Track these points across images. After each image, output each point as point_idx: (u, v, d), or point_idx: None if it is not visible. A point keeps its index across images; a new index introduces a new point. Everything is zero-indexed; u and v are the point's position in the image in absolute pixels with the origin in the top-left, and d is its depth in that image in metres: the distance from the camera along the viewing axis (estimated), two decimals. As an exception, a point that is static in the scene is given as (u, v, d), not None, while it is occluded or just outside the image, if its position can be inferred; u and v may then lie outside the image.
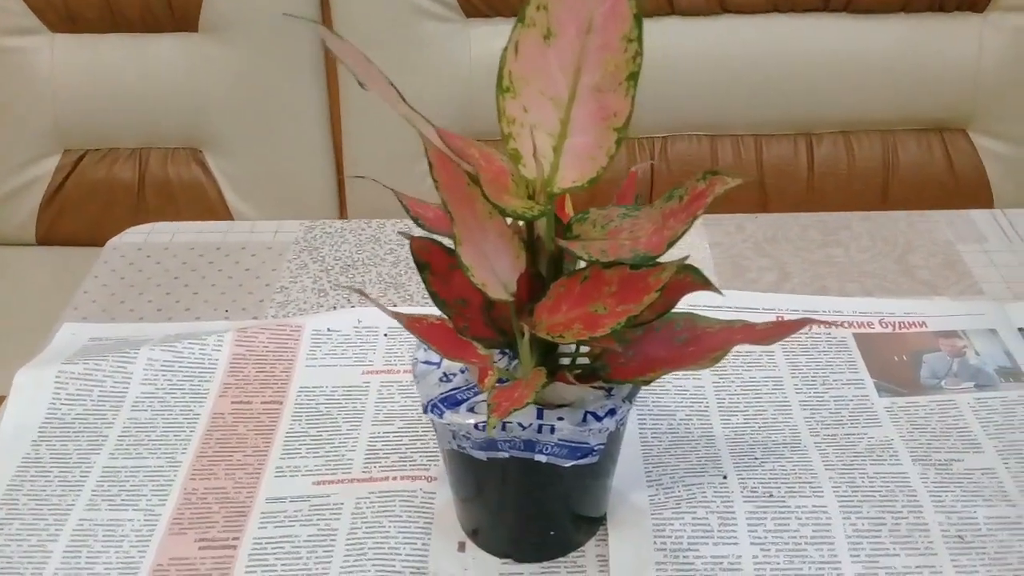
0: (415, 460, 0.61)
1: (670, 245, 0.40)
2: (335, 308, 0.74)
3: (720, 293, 0.44)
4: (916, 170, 1.25)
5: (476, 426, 0.48)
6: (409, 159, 1.20)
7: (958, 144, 1.24)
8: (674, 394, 0.66)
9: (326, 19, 1.21)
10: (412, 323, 0.46)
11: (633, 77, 0.37)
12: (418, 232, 0.48)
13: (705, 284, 0.45)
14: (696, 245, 0.82)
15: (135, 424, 0.64)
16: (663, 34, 1.20)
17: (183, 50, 1.22)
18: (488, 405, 0.43)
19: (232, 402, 0.66)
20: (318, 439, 0.63)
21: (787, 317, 0.73)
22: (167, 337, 0.70)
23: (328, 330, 0.71)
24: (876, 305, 0.74)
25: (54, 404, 0.65)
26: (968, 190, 1.25)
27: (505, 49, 0.40)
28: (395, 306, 0.75)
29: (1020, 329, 0.71)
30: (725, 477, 0.60)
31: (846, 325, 0.72)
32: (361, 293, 0.44)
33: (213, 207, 1.25)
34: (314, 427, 0.64)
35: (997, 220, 0.84)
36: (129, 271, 0.79)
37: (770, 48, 1.20)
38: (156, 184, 1.25)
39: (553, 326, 0.45)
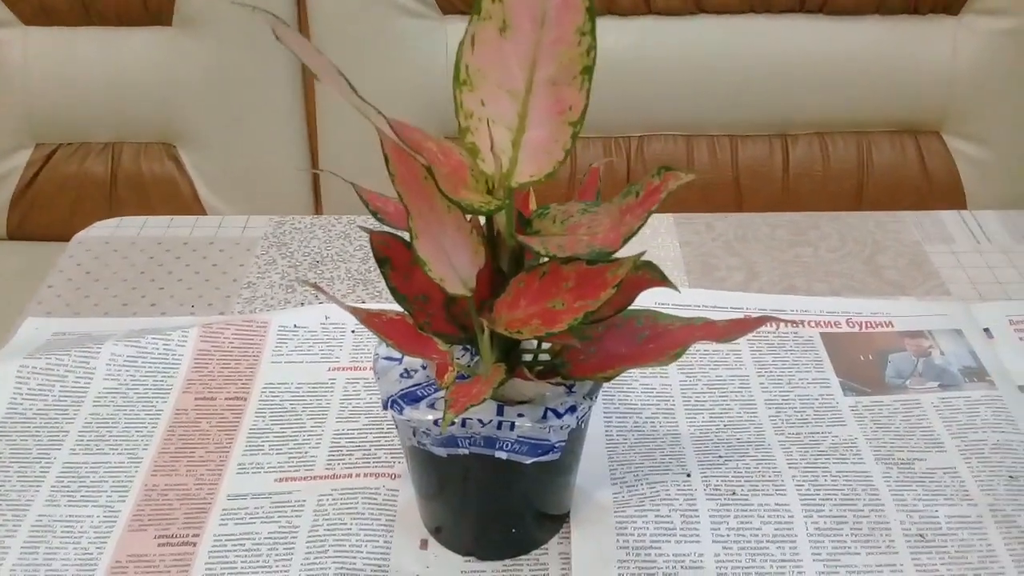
0: (379, 457, 0.60)
1: (626, 240, 0.40)
2: (303, 304, 0.74)
3: (677, 290, 0.44)
4: (890, 172, 1.25)
5: (436, 422, 0.48)
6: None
7: (932, 146, 1.25)
8: (640, 392, 0.66)
9: (302, 13, 1.21)
10: (371, 319, 0.46)
11: (587, 71, 0.37)
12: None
13: (662, 280, 0.45)
14: (666, 244, 0.82)
15: (97, 419, 0.64)
16: (639, 33, 1.20)
17: (157, 44, 1.21)
18: (445, 401, 0.43)
19: (196, 398, 0.65)
20: (282, 436, 0.62)
21: (754, 316, 0.73)
22: (131, 332, 0.70)
23: (295, 326, 0.71)
24: (843, 305, 0.74)
25: (15, 399, 0.64)
26: (941, 192, 1.25)
27: (462, 42, 0.40)
28: (363, 302, 0.74)
29: (985, 330, 0.72)
30: (689, 475, 0.60)
31: (811, 324, 0.72)
32: (319, 289, 0.43)
33: (186, 202, 1.24)
34: (278, 423, 0.63)
35: (965, 221, 0.84)
36: (95, 265, 0.78)
37: (746, 48, 1.21)
38: (128, 179, 1.24)
39: (512, 322, 0.44)
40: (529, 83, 0.39)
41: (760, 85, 1.22)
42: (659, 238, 0.82)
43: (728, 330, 0.48)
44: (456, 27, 1.20)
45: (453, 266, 0.44)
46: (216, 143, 1.23)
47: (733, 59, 1.21)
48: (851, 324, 0.72)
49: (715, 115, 1.24)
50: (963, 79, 1.21)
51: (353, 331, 0.70)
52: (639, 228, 0.39)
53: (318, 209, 1.29)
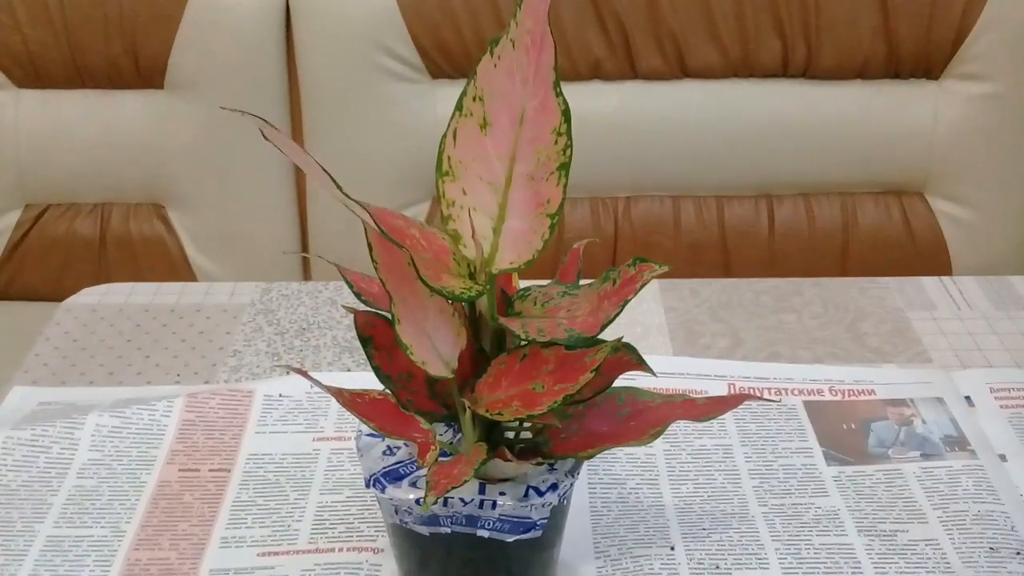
0: (362, 531, 0.60)
1: (604, 327, 0.40)
2: (288, 373, 0.74)
3: (654, 374, 0.45)
4: (875, 232, 1.26)
5: (417, 501, 0.48)
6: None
7: (915, 207, 1.27)
8: (625, 462, 0.67)
9: (292, 79, 1.22)
10: (353, 400, 0.46)
11: (563, 168, 0.38)
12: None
13: (640, 364, 0.45)
14: (652, 310, 0.82)
15: (80, 492, 0.64)
16: (625, 96, 1.22)
17: (148, 106, 1.23)
18: (426, 482, 0.43)
19: (180, 469, 0.65)
20: (265, 508, 0.62)
21: (738, 384, 0.73)
22: (116, 402, 0.70)
23: (280, 395, 0.71)
24: (826, 372, 0.75)
25: (0, 471, 0.64)
26: (926, 252, 1.26)
27: (444, 136, 0.40)
28: (349, 370, 0.75)
29: (966, 398, 0.72)
30: (672, 548, 0.60)
31: (795, 392, 0.73)
32: (300, 372, 0.44)
33: (175, 264, 1.25)
34: (262, 496, 0.63)
35: (947, 288, 0.85)
36: (82, 333, 0.79)
37: (730, 112, 1.23)
38: (117, 240, 1.25)
39: (493, 403, 0.45)
40: (509, 177, 0.40)
41: (745, 147, 1.23)
42: (644, 304, 0.83)
43: (708, 409, 0.48)
44: (445, 91, 1.21)
45: (435, 348, 0.45)
46: (206, 205, 1.24)
47: (718, 122, 1.23)
48: (834, 392, 0.73)
49: (701, 176, 1.25)
50: (944, 142, 1.23)
51: (339, 400, 0.71)
52: (616, 315, 0.39)
53: (307, 271, 1.29)
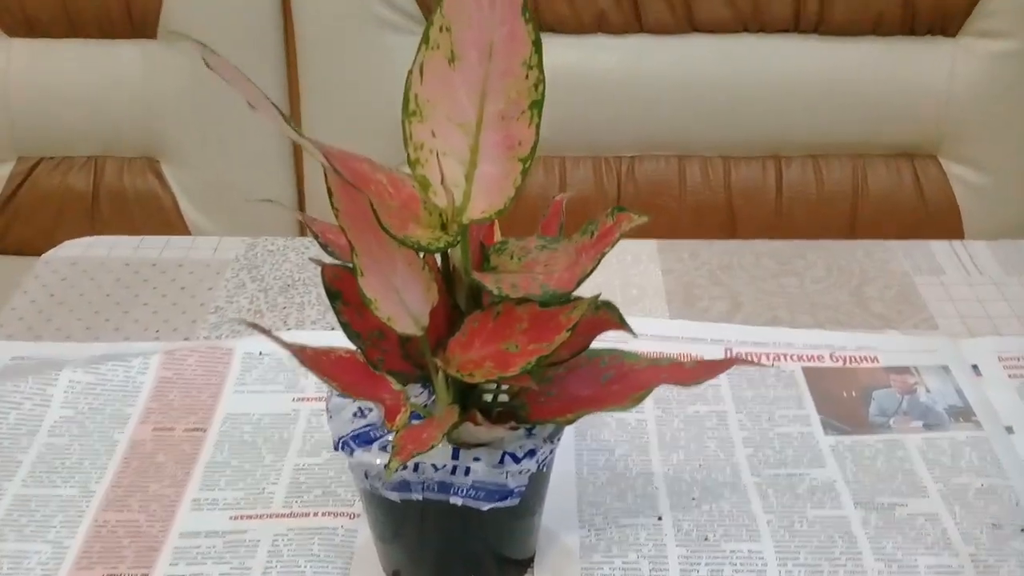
0: (338, 495, 0.58)
1: (580, 282, 0.37)
2: (270, 330, 0.71)
3: (633, 334, 0.42)
4: (885, 196, 1.23)
5: (387, 466, 0.46)
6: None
7: (928, 170, 1.23)
8: (614, 428, 0.64)
9: (287, 30, 1.19)
10: (317, 358, 0.44)
11: (536, 105, 0.35)
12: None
13: (621, 323, 0.42)
14: (648, 271, 0.79)
15: (51, 450, 0.62)
16: (630, 51, 1.18)
17: (141, 57, 1.20)
18: (391, 447, 0.41)
19: (153, 428, 0.63)
20: (240, 470, 0.60)
21: (735, 349, 0.71)
22: (92, 358, 0.68)
23: (260, 354, 0.68)
24: (827, 338, 0.72)
25: (-32, 427, 0.62)
26: (938, 216, 1.23)
27: (410, 71, 0.38)
28: (333, 328, 0.72)
29: (973, 367, 0.69)
30: (660, 518, 0.57)
31: (793, 358, 0.70)
32: (257, 328, 0.41)
33: (169, 219, 1.23)
34: (237, 457, 0.61)
35: (956, 252, 0.82)
36: (60, 287, 0.77)
37: (739, 68, 1.19)
38: (111, 194, 1.23)
39: (465, 363, 0.42)
40: (480, 117, 0.37)
41: (753, 105, 1.20)
42: (641, 265, 0.80)
43: (695, 373, 0.45)
44: (444, 44, 1.18)
45: (404, 303, 0.42)
46: (200, 159, 1.22)
47: (726, 78, 1.19)
48: (835, 358, 0.70)
49: (708, 135, 1.22)
50: (961, 102, 1.19)
51: (320, 359, 0.68)
52: (592, 269, 0.37)
53: (302, 227, 1.27)
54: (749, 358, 0.46)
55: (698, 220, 1.23)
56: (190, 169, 1.22)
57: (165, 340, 0.71)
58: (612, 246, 0.36)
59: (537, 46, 0.34)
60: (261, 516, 0.57)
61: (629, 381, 0.46)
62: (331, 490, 0.59)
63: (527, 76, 0.35)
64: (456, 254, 0.43)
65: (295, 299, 0.75)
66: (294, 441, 0.62)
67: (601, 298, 0.41)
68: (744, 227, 1.24)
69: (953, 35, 1.18)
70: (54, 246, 0.81)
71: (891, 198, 1.23)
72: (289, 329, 0.71)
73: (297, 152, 1.24)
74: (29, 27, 1.19)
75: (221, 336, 0.71)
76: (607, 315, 0.42)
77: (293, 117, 1.23)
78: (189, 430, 0.63)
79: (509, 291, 0.39)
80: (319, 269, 0.46)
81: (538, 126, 0.36)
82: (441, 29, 0.36)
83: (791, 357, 0.70)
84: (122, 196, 1.23)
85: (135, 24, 1.18)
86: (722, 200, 1.23)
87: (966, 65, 1.18)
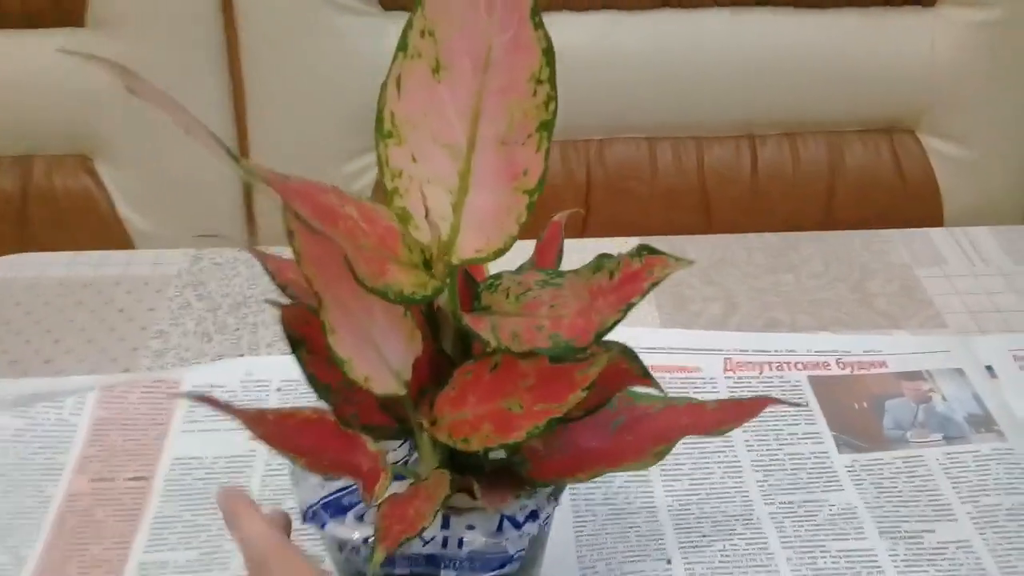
0: (306, 550, 0.51)
1: (600, 336, 0.31)
2: (220, 357, 0.64)
3: (663, 391, 0.36)
4: (863, 173, 1.18)
5: (365, 541, 0.39)
6: (324, 162, 1.10)
7: (906, 146, 1.18)
8: (610, 455, 0.58)
9: (228, 14, 1.10)
10: (280, 424, 0.37)
11: (546, 127, 0.29)
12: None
13: (645, 377, 0.36)
14: (633, 272, 0.73)
15: (-26, 510, 0.54)
16: (598, 28, 1.11)
17: (69, 47, 1.10)
18: (375, 531, 0.34)
19: (91, 480, 0.56)
20: (192, 525, 0.53)
21: (735, 359, 0.65)
22: (19, 398, 0.60)
23: (211, 386, 0.61)
24: (832, 342, 0.66)
25: None
26: (917, 194, 1.18)
27: (384, 85, 0.31)
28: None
29: (988, 367, 0.64)
30: (669, 562, 0.52)
31: (798, 366, 0.64)
32: (210, 402, 0.34)
33: (105, 221, 1.13)
34: (188, 510, 0.54)
35: (957, 240, 0.77)
36: (-18, 313, 0.68)
37: (711, 44, 1.13)
38: (41, 195, 1.13)
39: (457, 425, 0.36)
40: (472, 138, 0.30)
41: (726, 83, 1.14)
42: (625, 266, 0.74)
43: (721, 418, 0.39)
44: (399, 25, 1.10)
45: (383, 359, 0.36)
46: (136, 155, 1.12)
47: (698, 55, 1.12)
48: (842, 365, 0.65)
49: (680, 116, 1.15)
50: (941, 74, 1.14)
51: (279, 389, 0.61)
52: (615, 323, 0.30)
53: (251, 228, 1.18)
54: (777, 398, 0.40)
55: (670, 203, 1.17)
56: (126, 167, 1.13)
57: (102, 373, 0.63)
58: (642, 297, 0.30)
59: (548, 56, 0.28)
60: (219, 580, 0.50)
61: (644, 429, 0.40)
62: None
63: (535, 93, 0.28)
64: (443, 295, 0.36)
65: (248, 319, 0.67)
66: (253, 487, 0.55)
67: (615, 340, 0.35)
68: (718, 210, 1.18)
69: (932, 4, 1.12)
70: (-20, 254, 0.73)
71: (869, 175, 1.18)
72: (241, 355, 0.64)
73: (242, 145, 1.15)
74: (-57, 16, 1.09)
75: (166, 365, 0.64)
76: (624, 363, 0.36)
77: (237, 107, 1.14)
78: (132, 480, 0.56)
79: (510, 343, 0.33)
80: (273, 284, 0.39)
81: (547, 152, 0.29)
82: (423, 34, 0.29)
83: (795, 365, 0.65)
84: (53, 197, 1.13)
85: (62, 11, 1.09)
86: (695, 182, 1.17)
87: (946, 35, 1.12)
